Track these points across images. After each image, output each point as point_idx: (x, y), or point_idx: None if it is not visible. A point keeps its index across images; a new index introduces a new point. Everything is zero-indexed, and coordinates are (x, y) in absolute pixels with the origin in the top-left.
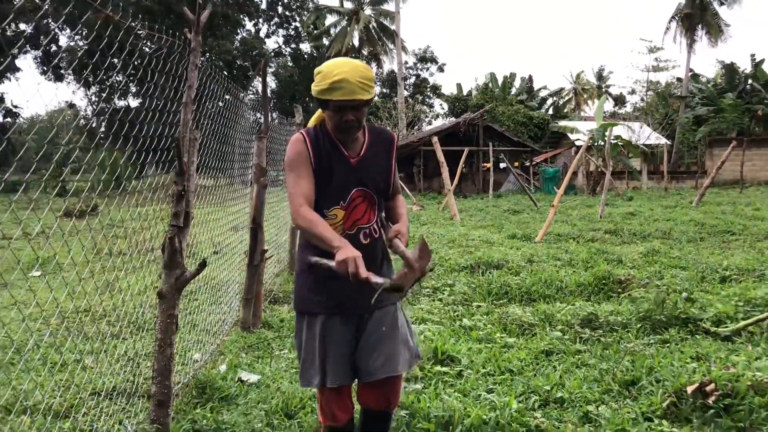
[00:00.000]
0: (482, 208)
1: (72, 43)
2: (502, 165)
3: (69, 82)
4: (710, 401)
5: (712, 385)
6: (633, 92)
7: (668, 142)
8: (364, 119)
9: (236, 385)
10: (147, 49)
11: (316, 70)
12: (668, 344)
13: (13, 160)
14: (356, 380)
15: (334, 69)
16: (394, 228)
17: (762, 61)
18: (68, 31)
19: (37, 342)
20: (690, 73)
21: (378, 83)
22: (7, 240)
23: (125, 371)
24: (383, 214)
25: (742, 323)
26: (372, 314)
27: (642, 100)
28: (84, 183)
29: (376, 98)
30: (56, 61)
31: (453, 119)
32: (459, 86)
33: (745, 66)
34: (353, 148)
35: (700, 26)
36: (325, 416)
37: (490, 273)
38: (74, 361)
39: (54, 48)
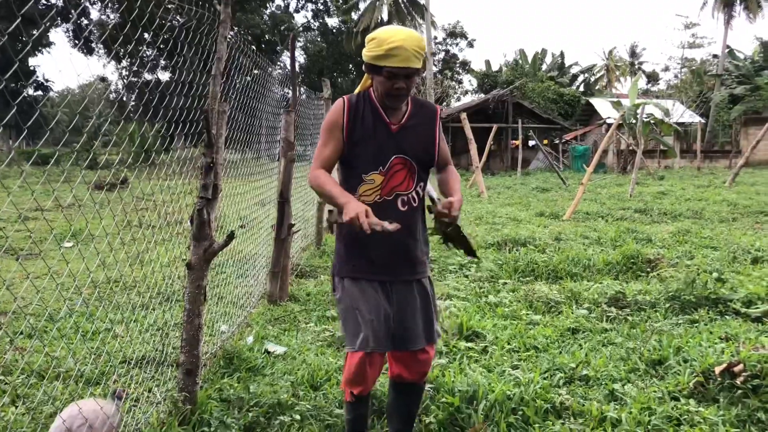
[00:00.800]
0: (510, 185)
1: (103, 17)
2: (531, 142)
3: (100, 56)
4: (738, 382)
5: (741, 366)
6: (667, 69)
7: (702, 121)
8: (413, 87)
9: (263, 357)
10: (176, 22)
11: (368, 36)
12: (697, 324)
13: (45, 133)
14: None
15: (391, 36)
16: (444, 202)
17: None
18: (99, 4)
19: (70, 310)
20: (727, 50)
21: None
22: (41, 211)
23: (154, 340)
24: (423, 183)
25: None
26: (406, 283)
27: (676, 77)
28: (114, 156)
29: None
30: (87, 33)
31: (482, 95)
32: (488, 63)
33: None
34: (395, 116)
35: (738, 1)
36: (352, 382)
37: (517, 250)
38: (105, 330)
39: (85, 22)
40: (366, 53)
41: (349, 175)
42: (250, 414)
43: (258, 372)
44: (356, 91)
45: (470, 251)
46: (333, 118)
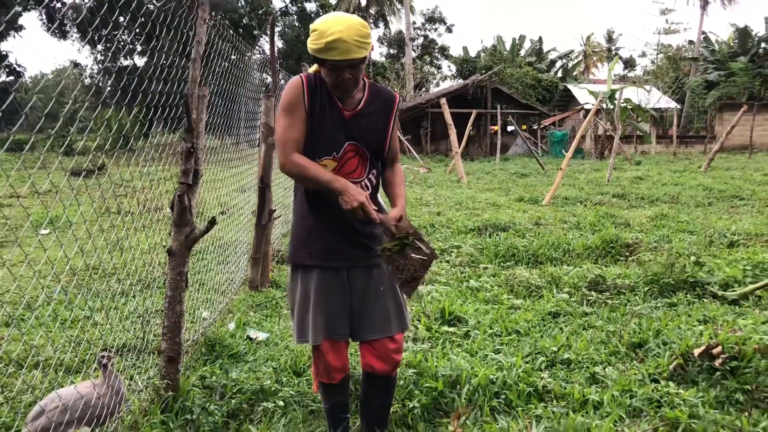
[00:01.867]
0: (489, 171)
1: (77, 0)
2: (509, 128)
3: (74, 41)
4: (717, 364)
5: (719, 348)
6: (643, 55)
7: (678, 106)
8: (361, 76)
9: (245, 343)
10: (152, 6)
11: (311, 26)
12: (676, 307)
13: (19, 119)
14: (355, 344)
15: (330, 28)
16: (391, 215)
17: None
18: None
19: (48, 298)
20: (702, 36)
21: (385, 44)
22: (16, 197)
23: (135, 328)
24: (375, 171)
25: (750, 287)
26: (365, 270)
27: (652, 63)
28: (91, 142)
29: (383, 58)
30: (60, 15)
31: (461, 81)
32: (465, 49)
33: (758, 29)
34: (350, 102)
35: None
36: (319, 373)
37: (497, 235)
38: (84, 318)
39: (58, 5)
40: (309, 45)
41: None
42: (233, 401)
43: (240, 359)
44: (311, 70)
45: (429, 254)
46: (293, 97)
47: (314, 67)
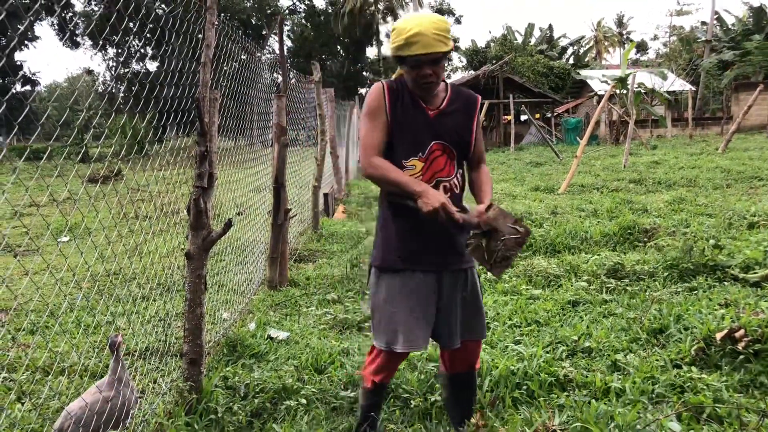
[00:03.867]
0: (504, 161)
1: (87, 9)
2: (523, 117)
3: (86, 49)
4: (740, 347)
5: (742, 331)
6: (655, 38)
7: (693, 88)
8: (443, 73)
9: (266, 343)
10: (161, 11)
11: (391, 27)
12: (696, 292)
13: (35, 128)
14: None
15: (408, 24)
16: (477, 209)
17: None
18: None
19: (70, 305)
20: (715, 16)
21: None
22: (36, 206)
23: (157, 332)
24: (462, 170)
25: None
26: (454, 274)
27: (665, 45)
28: (107, 148)
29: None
30: (71, 26)
31: (472, 72)
32: (474, 42)
33: None
34: (433, 102)
35: None
36: (376, 373)
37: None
38: (107, 323)
39: (70, 14)
40: (390, 46)
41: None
42: (256, 400)
43: (262, 358)
44: (393, 77)
45: (523, 231)
46: (375, 102)
47: (397, 72)
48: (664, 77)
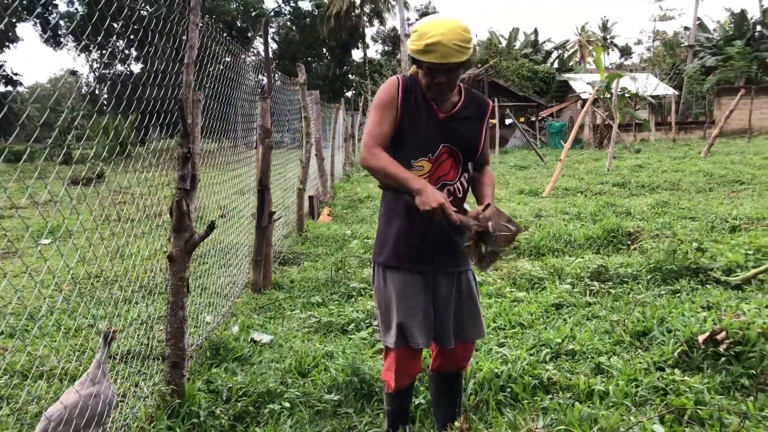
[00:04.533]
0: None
1: (71, 9)
2: (507, 121)
3: (69, 49)
4: (721, 349)
5: (723, 334)
6: (639, 42)
7: (676, 93)
8: (458, 80)
9: (249, 346)
10: (145, 12)
11: (413, 27)
12: (679, 294)
13: (16, 129)
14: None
15: (431, 29)
16: (477, 209)
17: None
18: None
19: (50, 308)
20: (698, 22)
21: (379, 41)
22: (16, 208)
23: (139, 335)
24: (467, 174)
25: (752, 271)
26: (448, 276)
27: (648, 50)
28: (89, 150)
29: (378, 56)
30: (53, 24)
31: None
32: None
33: (754, 13)
34: (445, 105)
35: None
36: (394, 376)
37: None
38: (88, 326)
39: (53, 15)
40: (409, 44)
41: (397, 160)
42: (239, 404)
43: (245, 361)
44: (409, 73)
45: (515, 230)
46: (388, 95)
47: (412, 68)
48: (633, 79)
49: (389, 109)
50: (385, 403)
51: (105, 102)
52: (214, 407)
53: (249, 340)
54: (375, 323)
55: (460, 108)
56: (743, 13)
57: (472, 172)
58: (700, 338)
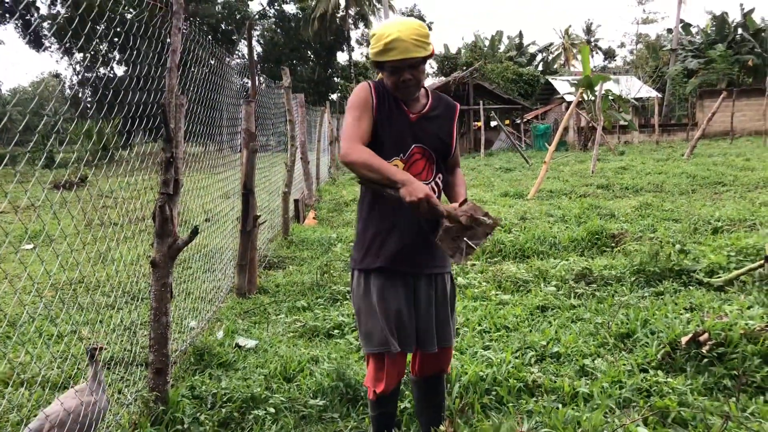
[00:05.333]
0: (474, 167)
1: (53, 11)
2: (493, 123)
3: (52, 52)
4: (704, 351)
5: (706, 335)
6: (622, 45)
7: (659, 95)
8: (423, 77)
9: (234, 351)
10: (129, 15)
11: (370, 33)
12: (662, 296)
13: None
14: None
15: (387, 30)
16: (452, 205)
17: (752, 10)
18: None
19: (32, 315)
20: (680, 25)
21: (364, 44)
22: None
23: (122, 341)
24: (441, 175)
25: (734, 273)
26: (429, 278)
27: (631, 53)
28: (72, 154)
29: (364, 58)
30: (35, 26)
31: (443, 78)
32: (446, 47)
33: (735, 16)
34: (415, 106)
35: None
36: (377, 383)
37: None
38: (70, 333)
39: (35, 17)
40: (369, 51)
41: None
42: (224, 410)
43: (230, 367)
44: (377, 79)
45: (492, 223)
46: (362, 96)
47: (379, 75)
48: (615, 81)
49: (365, 110)
50: (370, 410)
51: (88, 105)
52: (198, 413)
53: (234, 345)
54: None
55: (429, 108)
56: (724, 16)
57: (444, 176)
58: (683, 340)
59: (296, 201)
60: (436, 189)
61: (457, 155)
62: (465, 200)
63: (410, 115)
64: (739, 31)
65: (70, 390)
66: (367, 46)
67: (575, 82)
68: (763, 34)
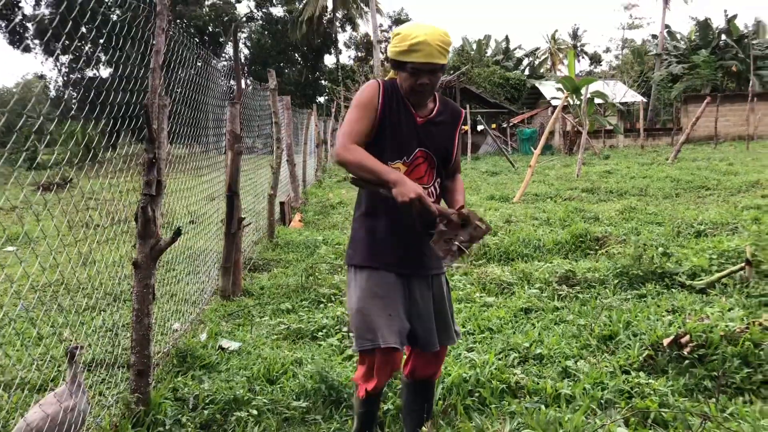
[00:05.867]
0: (461, 170)
1: (38, 12)
2: (479, 127)
3: (37, 54)
4: (685, 352)
5: (687, 337)
6: (608, 50)
7: (644, 100)
8: (437, 84)
9: (217, 353)
10: (115, 17)
11: (393, 32)
12: (645, 298)
13: None
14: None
15: (414, 31)
16: (453, 208)
17: (735, 16)
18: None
19: (11, 317)
20: (665, 30)
21: (352, 47)
22: None
23: (104, 342)
24: (440, 180)
25: (716, 275)
26: (423, 279)
27: (617, 58)
28: (57, 155)
29: (351, 61)
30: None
31: None
32: None
33: (718, 22)
34: (422, 110)
35: None
36: (368, 380)
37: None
38: (51, 335)
39: (20, 18)
40: (390, 49)
41: None
42: (206, 412)
43: (213, 369)
44: (387, 78)
45: (485, 228)
46: (368, 96)
47: (390, 73)
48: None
49: (369, 110)
50: (355, 407)
51: (73, 106)
52: (180, 415)
53: (217, 347)
54: (345, 329)
55: (436, 113)
56: (707, 22)
57: (443, 181)
58: (665, 342)
59: (282, 203)
60: (434, 193)
61: (458, 161)
62: (462, 207)
63: (417, 119)
64: (723, 37)
65: (49, 394)
66: (355, 49)
67: (559, 87)
68: (745, 40)
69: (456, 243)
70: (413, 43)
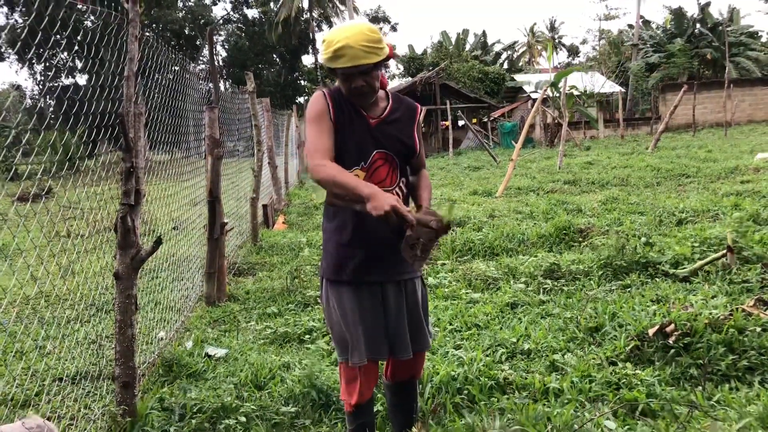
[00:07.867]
0: (443, 166)
1: (11, 21)
2: (460, 122)
3: (11, 63)
4: (671, 341)
5: (672, 326)
6: (585, 42)
7: (622, 90)
8: (376, 83)
9: (203, 361)
10: (89, 24)
11: (322, 39)
12: (629, 289)
13: None
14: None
15: (337, 35)
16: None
17: (708, 4)
18: (5, 8)
19: None
20: (641, 20)
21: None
22: None
23: (88, 354)
24: (405, 179)
25: (699, 263)
26: (397, 285)
27: (594, 49)
28: (35, 165)
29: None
30: None
31: (409, 79)
32: (411, 47)
33: (692, 11)
34: (374, 111)
35: None
36: (352, 393)
37: (452, 230)
38: (34, 348)
39: None
40: (321, 57)
41: None
42: (194, 421)
43: (199, 377)
44: (335, 86)
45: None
46: (318, 109)
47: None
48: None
49: (324, 122)
50: (347, 423)
51: (51, 116)
52: (167, 426)
53: (203, 354)
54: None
55: (389, 112)
56: (681, 10)
57: (409, 177)
58: (651, 331)
59: (265, 206)
60: (400, 194)
61: (421, 156)
62: (420, 206)
63: (370, 120)
64: (698, 25)
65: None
66: None
67: (537, 83)
68: (719, 28)
69: (418, 247)
70: (336, 48)
